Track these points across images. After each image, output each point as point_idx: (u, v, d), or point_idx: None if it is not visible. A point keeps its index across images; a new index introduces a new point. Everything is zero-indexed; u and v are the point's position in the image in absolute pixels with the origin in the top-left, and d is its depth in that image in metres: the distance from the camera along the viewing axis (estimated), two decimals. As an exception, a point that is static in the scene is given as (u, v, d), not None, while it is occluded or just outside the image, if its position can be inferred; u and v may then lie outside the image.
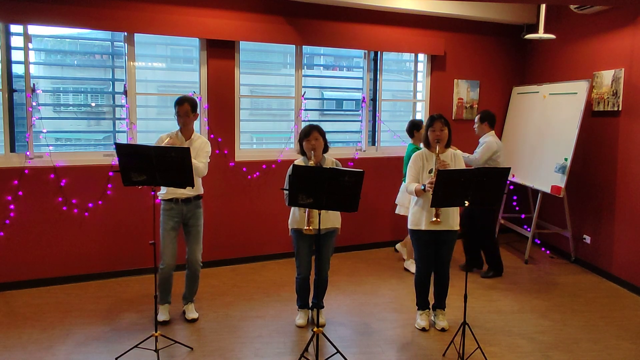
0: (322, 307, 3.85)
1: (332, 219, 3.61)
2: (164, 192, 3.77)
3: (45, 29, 4.53)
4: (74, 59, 4.92)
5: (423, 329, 3.78)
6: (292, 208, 3.64)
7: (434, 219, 3.52)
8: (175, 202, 3.76)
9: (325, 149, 3.65)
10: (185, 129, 3.78)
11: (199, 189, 3.84)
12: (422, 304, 3.87)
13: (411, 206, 3.78)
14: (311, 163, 3.52)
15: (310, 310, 3.97)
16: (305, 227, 3.36)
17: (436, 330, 3.81)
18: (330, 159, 3.69)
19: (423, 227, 3.63)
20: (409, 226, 3.75)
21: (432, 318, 3.90)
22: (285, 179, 3.65)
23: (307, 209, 3.38)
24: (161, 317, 3.81)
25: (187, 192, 3.73)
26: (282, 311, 4.07)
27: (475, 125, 5.02)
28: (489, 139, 4.87)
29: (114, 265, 4.79)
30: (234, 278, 4.87)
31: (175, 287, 3.96)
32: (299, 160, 3.67)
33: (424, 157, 3.70)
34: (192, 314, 3.92)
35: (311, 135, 3.55)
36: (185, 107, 3.71)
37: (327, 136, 3.70)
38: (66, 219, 4.58)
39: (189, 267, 3.89)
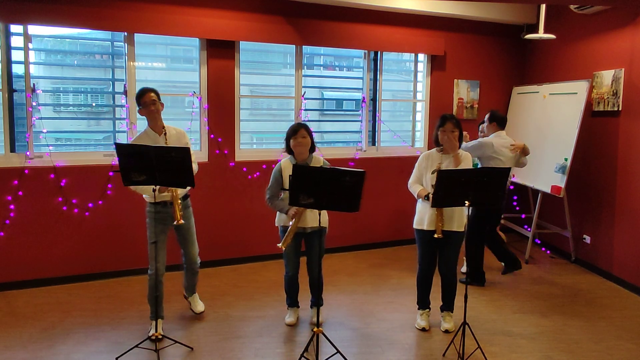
0: (322, 304, 3.86)
1: (316, 218, 3.50)
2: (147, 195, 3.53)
3: (45, 29, 4.53)
4: (74, 59, 4.92)
5: (423, 329, 3.78)
6: None
7: (436, 235, 3.52)
8: (164, 205, 3.54)
9: (312, 148, 3.63)
10: (156, 122, 3.47)
11: (184, 189, 3.63)
12: (422, 304, 3.87)
13: (417, 205, 3.79)
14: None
15: (310, 309, 3.97)
16: (279, 244, 3.49)
17: (437, 330, 3.81)
18: (318, 158, 3.67)
19: (425, 227, 3.64)
20: (414, 225, 3.76)
21: (440, 319, 3.90)
22: (271, 179, 3.64)
23: (291, 226, 3.49)
24: (152, 331, 3.52)
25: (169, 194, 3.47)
26: (282, 311, 4.06)
27: (484, 125, 4.87)
28: (487, 139, 4.69)
29: (115, 265, 4.79)
30: (234, 278, 4.87)
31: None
32: (286, 160, 3.66)
33: (430, 158, 3.70)
34: (198, 305, 3.88)
35: (298, 133, 3.54)
36: (150, 95, 3.40)
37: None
38: (66, 219, 4.58)
39: (188, 266, 3.85)
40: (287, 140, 3.60)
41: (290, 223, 3.51)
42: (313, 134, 3.67)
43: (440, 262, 3.77)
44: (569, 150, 5.07)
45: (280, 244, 3.53)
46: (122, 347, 3.39)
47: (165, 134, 3.50)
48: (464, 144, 4.63)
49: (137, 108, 3.50)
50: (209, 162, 5.05)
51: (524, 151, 4.81)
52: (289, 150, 3.63)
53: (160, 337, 3.40)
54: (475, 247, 4.73)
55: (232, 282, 4.77)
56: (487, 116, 4.88)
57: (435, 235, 3.53)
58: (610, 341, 3.69)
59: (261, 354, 3.41)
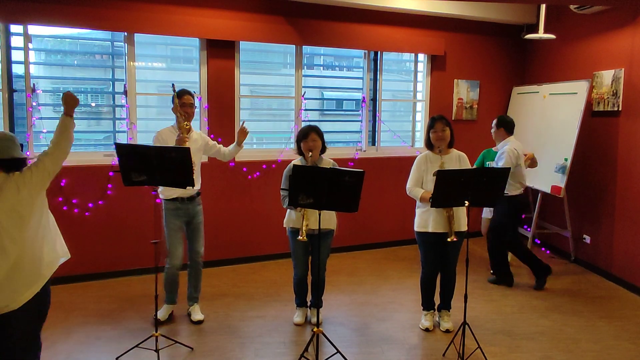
0: (321, 306, 3.86)
1: (327, 220, 3.56)
2: (162, 190, 3.73)
3: (45, 29, 4.53)
4: (74, 59, 4.92)
5: (427, 330, 3.79)
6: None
7: (449, 238, 3.50)
8: (181, 201, 3.74)
9: (323, 149, 3.65)
10: (188, 121, 3.72)
11: (198, 184, 3.83)
12: (427, 305, 3.87)
13: (417, 208, 3.78)
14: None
15: (308, 309, 3.98)
16: (299, 237, 3.38)
17: (437, 330, 3.81)
18: (328, 160, 3.69)
19: (430, 230, 3.62)
20: (415, 228, 3.74)
21: (437, 319, 3.91)
22: (282, 179, 3.66)
23: (303, 215, 3.42)
24: (160, 314, 3.80)
25: (189, 190, 3.69)
26: (282, 311, 4.07)
27: (492, 131, 4.71)
28: (507, 147, 4.48)
29: (115, 265, 4.79)
30: (234, 278, 4.88)
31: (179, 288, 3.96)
32: (297, 161, 3.67)
33: (428, 160, 3.69)
34: (197, 315, 3.89)
35: (309, 137, 3.56)
36: (189, 97, 3.75)
37: (327, 136, 3.72)
38: (67, 219, 4.58)
39: (192, 262, 3.91)
40: (298, 142, 3.62)
41: (297, 216, 3.49)
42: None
43: (443, 262, 3.76)
44: (569, 150, 5.07)
45: (300, 237, 3.39)
46: (122, 347, 3.39)
47: (189, 131, 3.72)
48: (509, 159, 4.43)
49: (171, 105, 3.68)
50: (209, 162, 5.05)
51: (532, 163, 4.81)
52: (300, 152, 3.65)
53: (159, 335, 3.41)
54: (500, 248, 4.76)
55: (231, 282, 4.78)
56: (494, 122, 4.68)
57: (449, 239, 3.50)
58: (609, 341, 3.69)
59: (261, 354, 3.42)
